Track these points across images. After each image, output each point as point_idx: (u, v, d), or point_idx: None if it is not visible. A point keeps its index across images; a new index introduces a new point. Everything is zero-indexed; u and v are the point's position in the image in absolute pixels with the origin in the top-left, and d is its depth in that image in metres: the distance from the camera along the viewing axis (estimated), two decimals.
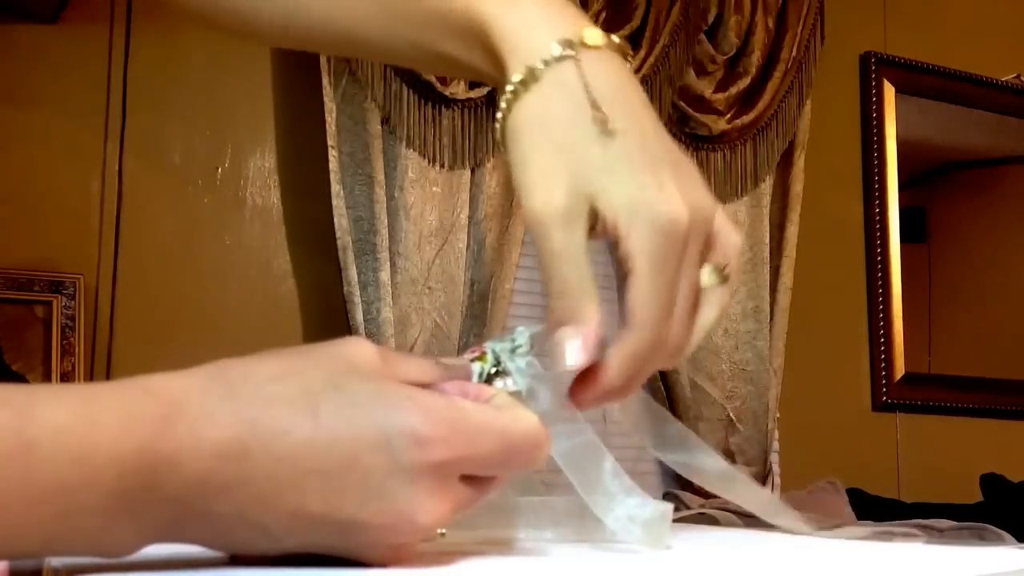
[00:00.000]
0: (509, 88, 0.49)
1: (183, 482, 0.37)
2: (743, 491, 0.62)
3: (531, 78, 0.48)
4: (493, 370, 0.47)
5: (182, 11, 0.66)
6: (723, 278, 0.51)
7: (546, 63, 0.48)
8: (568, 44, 0.49)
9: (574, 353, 0.47)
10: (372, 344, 0.41)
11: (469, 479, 0.41)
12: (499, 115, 0.50)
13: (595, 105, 0.48)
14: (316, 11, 0.59)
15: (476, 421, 0.40)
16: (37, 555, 0.37)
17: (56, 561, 0.40)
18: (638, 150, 0.48)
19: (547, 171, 0.48)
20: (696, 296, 0.49)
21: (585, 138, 0.48)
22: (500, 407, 0.42)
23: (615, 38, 0.50)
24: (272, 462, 0.38)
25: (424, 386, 0.42)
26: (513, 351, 0.48)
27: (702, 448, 0.58)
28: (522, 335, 0.48)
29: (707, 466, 0.59)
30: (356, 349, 0.41)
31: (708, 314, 0.50)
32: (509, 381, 0.47)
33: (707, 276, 0.50)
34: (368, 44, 0.59)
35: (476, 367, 0.47)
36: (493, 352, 0.47)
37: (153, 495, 0.37)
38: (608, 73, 0.49)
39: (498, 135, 0.50)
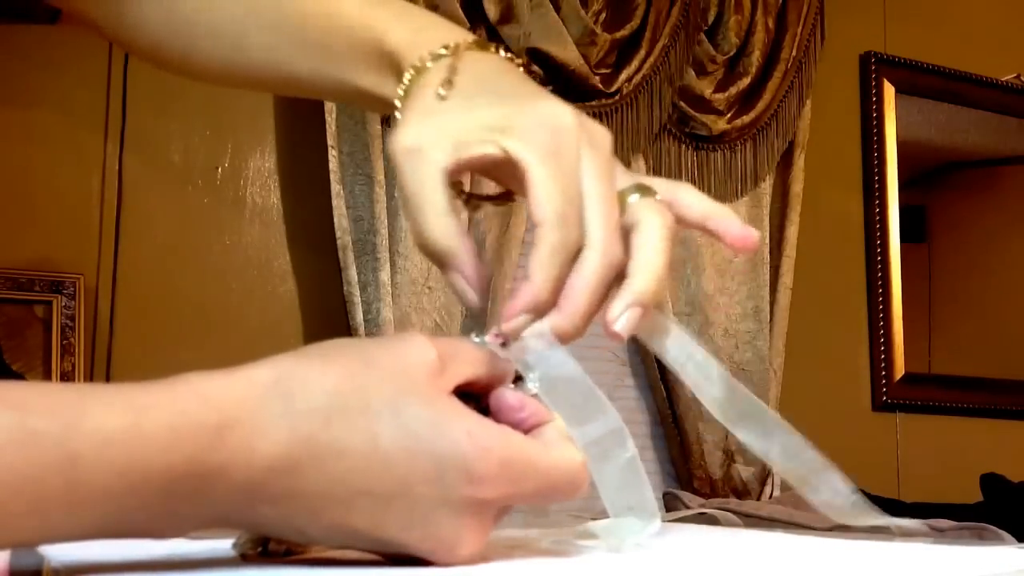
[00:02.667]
0: (400, 90, 0.54)
1: (231, 490, 0.37)
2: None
3: (418, 72, 0.53)
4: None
5: (133, 53, 0.71)
6: (646, 190, 0.51)
7: (434, 57, 0.53)
8: (449, 47, 0.54)
9: (468, 294, 0.47)
10: (431, 346, 0.41)
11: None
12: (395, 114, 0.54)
13: (447, 81, 0.51)
14: (255, 56, 0.65)
15: (525, 460, 0.41)
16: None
17: (56, 561, 0.40)
18: (499, 97, 0.51)
19: (408, 125, 0.51)
20: (621, 208, 0.50)
21: (449, 104, 0.51)
22: (549, 443, 0.43)
23: (500, 48, 0.56)
24: (324, 480, 0.38)
25: (484, 391, 0.43)
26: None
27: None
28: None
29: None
30: (418, 357, 0.41)
31: (651, 230, 0.50)
32: (528, 386, 0.47)
33: (631, 192, 0.51)
34: (302, 86, 0.65)
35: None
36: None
37: (200, 500, 0.37)
38: (482, 63, 0.53)
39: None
